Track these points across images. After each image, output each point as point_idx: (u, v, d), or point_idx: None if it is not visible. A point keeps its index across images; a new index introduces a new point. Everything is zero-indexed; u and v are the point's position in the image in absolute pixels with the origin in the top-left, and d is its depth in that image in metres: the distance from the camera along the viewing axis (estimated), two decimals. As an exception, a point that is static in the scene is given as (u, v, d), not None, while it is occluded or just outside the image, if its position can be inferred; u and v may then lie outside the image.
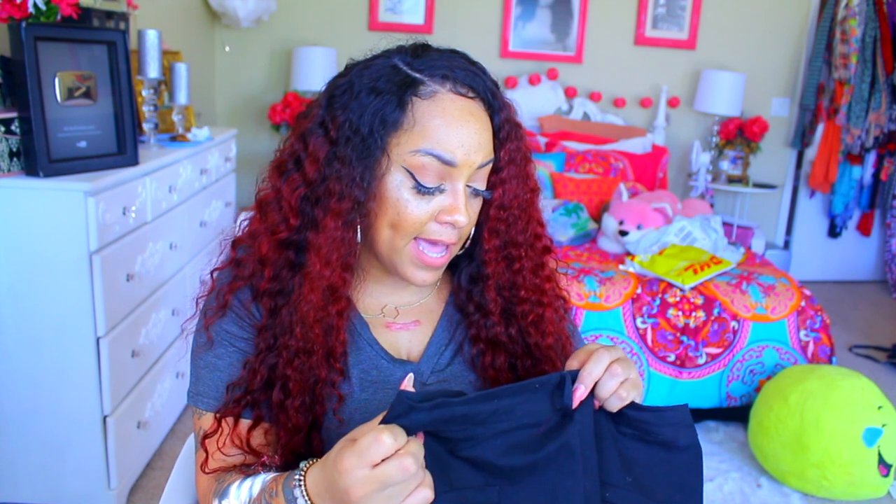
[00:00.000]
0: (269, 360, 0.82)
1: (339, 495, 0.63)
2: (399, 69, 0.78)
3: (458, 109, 0.78)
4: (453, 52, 0.82)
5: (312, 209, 0.80)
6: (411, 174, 0.77)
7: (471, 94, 0.79)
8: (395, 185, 0.78)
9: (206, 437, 0.83)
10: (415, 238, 0.80)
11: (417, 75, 0.78)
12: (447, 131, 0.77)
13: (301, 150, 0.80)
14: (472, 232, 0.86)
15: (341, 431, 0.81)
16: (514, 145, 0.83)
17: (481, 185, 0.82)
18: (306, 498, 0.67)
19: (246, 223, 0.87)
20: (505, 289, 0.88)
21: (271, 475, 0.75)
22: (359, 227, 0.80)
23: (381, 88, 0.77)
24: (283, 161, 0.82)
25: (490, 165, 0.82)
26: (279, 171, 0.82)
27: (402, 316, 0.91)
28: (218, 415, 0.83)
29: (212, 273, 0.88)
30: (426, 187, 0.78)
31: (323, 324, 0.80)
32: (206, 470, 0.83)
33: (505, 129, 0.82)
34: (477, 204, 0.83)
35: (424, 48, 0.82)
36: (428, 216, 0.79)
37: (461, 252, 0.88)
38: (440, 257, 0.81)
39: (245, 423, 0.84)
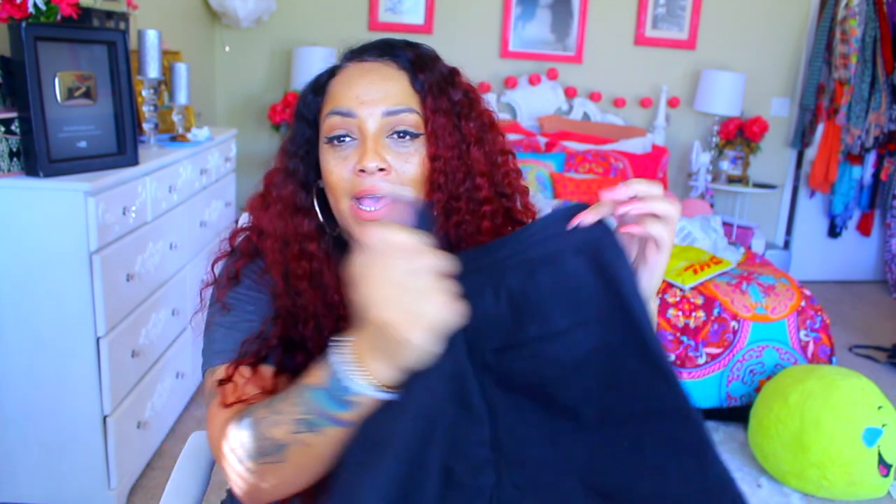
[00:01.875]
0: (289, 323, 0.84)
1: (371, 325, 0.60)
2: (332, 65, 0.90)
3: (357, 71, 0.86)
4: (386, 38, 0.89)
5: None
6: (325, 137, 0.85)
7: (376, 59, 0.86)
8: (322, 154, 0.86)
9: (221, 382, 0.79)
10: (352, 199, 0.82)
11: (337, 63, 0.89)
12: (344, 89, 0.84)
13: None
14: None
15: None
16: (442, 99, 0.85)
17: (409, 130, 0.84)
18: (345, 355, 0.64)
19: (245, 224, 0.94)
20: (452, 245, 0.86)
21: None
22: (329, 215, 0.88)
23: (312, 82, 0.90)
24: (270, 171, 0.93)
25: (413, 115, 0.83)
26: (265, 179, 0.93)
27: None
28: (233, 365, 0.80)
29: (212, 265, 0.91)
30: (335, 139, 0.83)
31: (309, 281, 0.84)
32: (227, 402, 0.77)
33: (427, 85, 0.85)
34: (410, 154, 0.83)
35: (365, 44, 0.89)
36: (348, 172, 0.83)
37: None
38: (374, 211, 0.82)
39: (267, 369, 0.82)
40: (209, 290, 0.91)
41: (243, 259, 0.89)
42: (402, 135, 0.82)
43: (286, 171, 0.89)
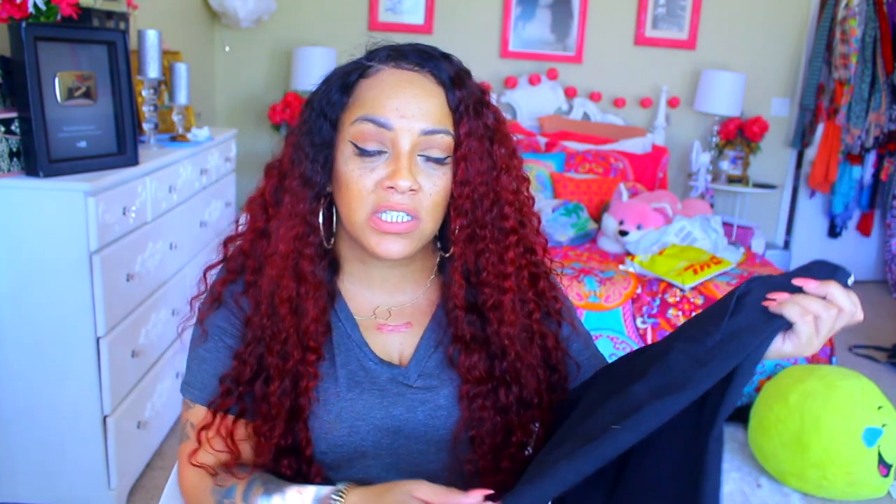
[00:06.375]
0: (258, 350, 0.84)
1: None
2: (357, 61, 0.84)
3: (397, 79, 0.81)
4: (419, 44, 0.85)
5: (283, 196, 0.84)
6: (354, 144, 0.80)
7: (415, 69, 0.82)
8: (344, 159, 0.81)
9: (202, 429, 0.85)
10: (372, 211, 0.80)
11: (366, 61, 0.83)
12: (382, 97, 0.80)
13: (281, 150, 0.87)
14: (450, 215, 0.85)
15: (328, 426, 0.83)
16: (477, 122, 0.82)
17: (440, 156, 0.82)
18: None
19: (243, 226, 0.91)
20: (471, 273, 0.85)
21: (292, 489, 0.78)
22: (335, 214, 0.85)
23: (335, 77, 0.84)
24: (271, 164, 0.88)
25: (447, 137, 0.81)
26: (266, 173, 0.88)
27: (393, 317, 0.90)
28: (212, 408, 0.85)
29: (205, 272, 0.91)
30: (367, 151, 0.79)
31: (291, 304, 0.83)
32: (195, 461, 0.85)
33: (463, 105, 0.81)
34: (438, 177, 0.81)
35: (400, 46, 0.84)
36: (373, 184, 0.79)
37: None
38: (397, 223, 0.80)
39: (230, 415, 0.86)
40: (198, 300, 0.91)
41: (230, 276, 0.88)
42: (434, 158, 0.81)
43: (303, 178, 0.83)
